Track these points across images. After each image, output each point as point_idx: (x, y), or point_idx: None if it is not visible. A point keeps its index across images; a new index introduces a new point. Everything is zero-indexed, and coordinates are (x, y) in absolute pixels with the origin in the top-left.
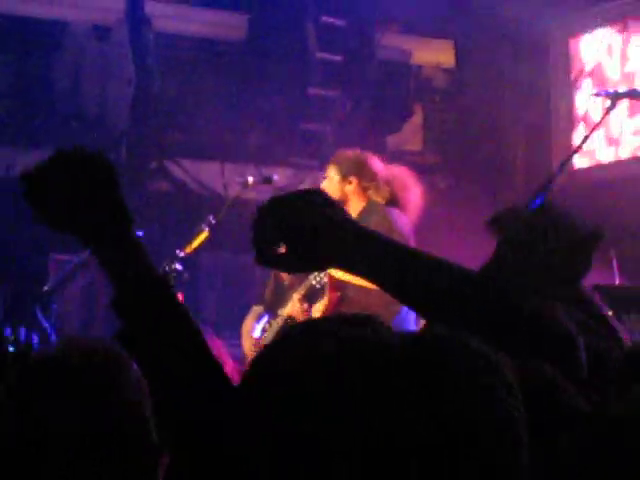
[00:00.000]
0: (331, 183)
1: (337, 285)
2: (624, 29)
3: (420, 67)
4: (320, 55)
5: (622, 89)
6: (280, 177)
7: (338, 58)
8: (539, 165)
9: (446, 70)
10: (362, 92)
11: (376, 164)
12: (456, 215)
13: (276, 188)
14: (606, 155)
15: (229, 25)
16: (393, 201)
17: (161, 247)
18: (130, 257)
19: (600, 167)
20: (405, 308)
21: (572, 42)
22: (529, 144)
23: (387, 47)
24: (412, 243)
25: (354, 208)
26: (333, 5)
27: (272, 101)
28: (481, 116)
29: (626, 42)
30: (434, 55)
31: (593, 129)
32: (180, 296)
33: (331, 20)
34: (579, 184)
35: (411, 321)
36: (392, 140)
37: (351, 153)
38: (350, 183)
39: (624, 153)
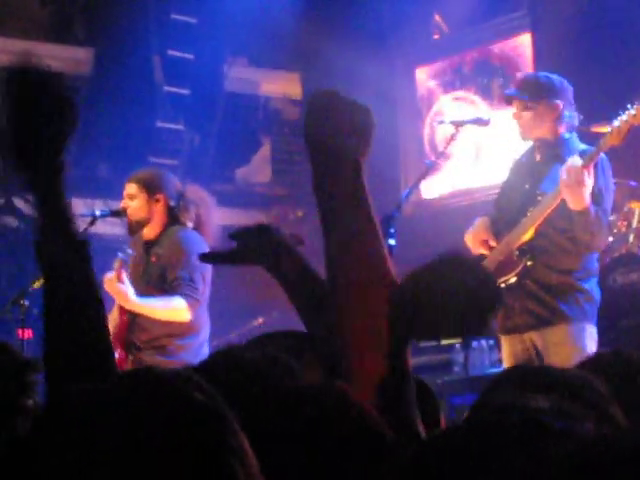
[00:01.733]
0: (139, 202)
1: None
2: (460, 60)
3: (268, 99)
4: (168, 88)
5: (467, 116)
6: None
7: (186, 91)
8: (390, 194)
9: (294, 101)
10: (211, 125)
11: (178, 183)
12: (305, 246)
13: (124, 221)
14: (447, 186)
15: (75, 60)
16: (199, 222)
17: (13, 282)
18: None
19: (444, 197)
20: (196, 344)
21: (417, 72)
22: (379, 174)
23: (235, 79)
24: (205, 268)
25: (156, 227)
26: (180, 39)
27: (121, 135)
28: None
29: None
30: (282, 87)
31: (438, 156)
32: (29, 332)
33: (178, 53)
34: (427, 213)
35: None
36: (241, 172)
37: (155, 172)
38: (158, 201)
39: (472, 182)
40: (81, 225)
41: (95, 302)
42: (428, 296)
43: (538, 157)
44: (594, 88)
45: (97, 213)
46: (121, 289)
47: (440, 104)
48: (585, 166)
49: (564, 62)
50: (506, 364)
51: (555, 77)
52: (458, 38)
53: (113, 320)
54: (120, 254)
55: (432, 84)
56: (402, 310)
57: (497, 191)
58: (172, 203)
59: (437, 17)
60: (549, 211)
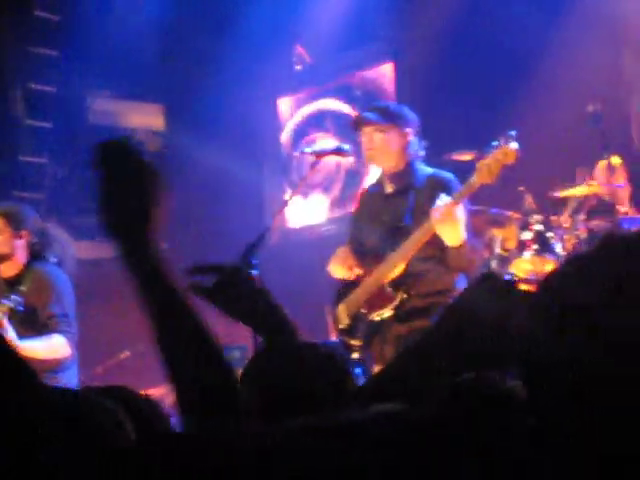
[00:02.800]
0: (2, 237)
1: None
2: (322, 90)
3: (131, 131)
4: (30, 122)
5: (328, 146)
6: None
7: (48, 125)
8: (253, 223)
9: (157, 133)
10: (74, 158)
11: (38, 219)
12: None
13: None
14: (311, 216)
15: None
16: (60, 259)
17: None
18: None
19: (308, 227)
20: (67, 377)
21: (279, 102)
22: (244, 202)
23: (98, 112)
24: (73, 304)
25: (17, 264)
26: (41, 71)
27: None
28: (193, 177)
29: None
30: (145, 119)
31: (299, 186)
32: None
33: (39, 86)
34: (290, 243)
35: None
36: None
37: (18, 207)
38: (21, 237)
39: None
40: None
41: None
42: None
43: (389, 188)
44: (454, 116)
45: None
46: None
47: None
48: (456, 203)
49: (425, 91)
50: None
51: (404, 107)
52: (320, 68)
53: None
54: (5, 301)
55: (293, 113)
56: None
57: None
58: (34, 239)
59: (299, 48)
60: (420, 244)
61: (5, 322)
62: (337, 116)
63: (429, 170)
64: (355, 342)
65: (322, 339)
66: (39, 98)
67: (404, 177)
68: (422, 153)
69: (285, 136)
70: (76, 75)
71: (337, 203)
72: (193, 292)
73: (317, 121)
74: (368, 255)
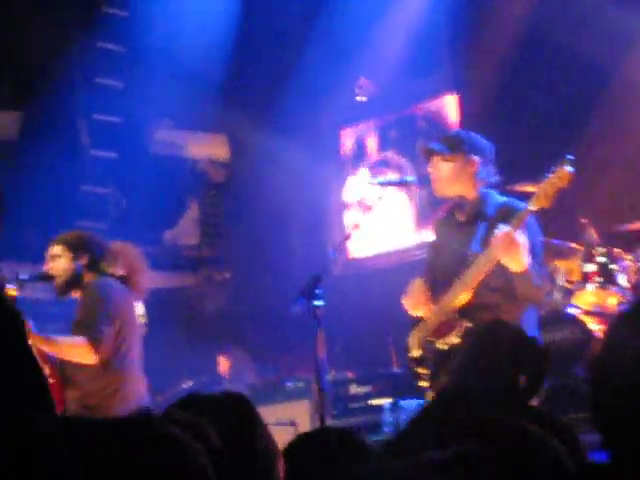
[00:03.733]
0: (63, 262)
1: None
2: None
3: (195, 161)
4: (94, 152)
5: (392, 178)
6: None
7: (112, 155)
8: (316, 253)
9: (220, 163)
10: (137, 187)
11: (102, 241)
12: (234, 308)
13: (52, 285)
14: (374, 247)
15: (1, 123)
16: (127, 274)
17: None
18: None
19: (371, 258)
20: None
21: (342, 133)
22: (304, 232)
23: (161, 142)
24: (128, 315)
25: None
26: (106, 103)
27: (46, 199)
28: (256, 206)
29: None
30: (208, 149)
31: (362, 218)
32: None
33: (104, 117)
34: (353, 273)
35: None
36: (169, 234)
37: (78, 233)
38: (81, 260)
39: (387, 245)
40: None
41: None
42: None
43: (460, 217)
44: (518, 147)
45: (20, 277)
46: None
47: (366, 165)
48: (516, 228)
49: (489, 121)
50: None
51: (475, 135)
52: (383, 99)
53: None
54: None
55: (357, 145)
56: None
57: (419, 252)
58: (95, 259)
59: (362, 79)
60: (484, 274)
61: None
62: (402, 145)
63: (501, 199)
64: (423, 371)
65: (384, 370)
66: (104, 128)
67: (475, 206)
68: (494, 180)
69: (348, 162)
70: (140, 106)
71: (406, 232)
72: None
73: (382, 149)
74: (438, 284)
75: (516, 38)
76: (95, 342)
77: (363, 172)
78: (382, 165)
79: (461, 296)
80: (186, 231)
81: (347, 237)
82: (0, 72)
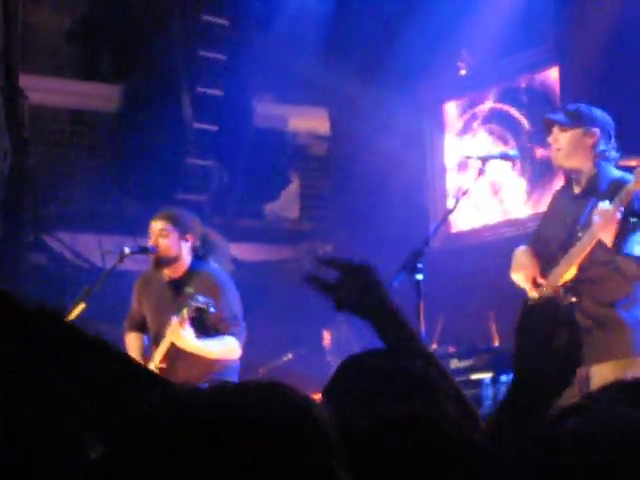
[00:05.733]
0: (170, 239)
1: (171, 354)
2: (487, 95)
3: (296, 135)
4: (196, 125)
5: (493, 151)
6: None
7: (214, 128)
8: (418, 228)
9: (321, 137)
10: (239, 161)
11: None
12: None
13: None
14: (478, 219)
15: (103, 96)
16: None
17: None
18: None
19: (473, 232)
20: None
21: (445, 107)
22: (408, 207)
23: (263, 115)
24: (240, 305)
25: (182, 265)
26: (209, 75)
27: (149, 172)
28: (357, 180)
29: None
30: (309, 122)
31: (465, 192)
32: None
33: (206, 90)
34: (456, 248)
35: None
36: (270, 208)
37: (183, 211)
38: (187, 240)
39: (493, 217)
40: (109, 262)
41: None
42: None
43: (577, 190)
44: (622, 121)
45: (126, 250)
46: (185, 335)
47: (468, 138)
48: (617, 208)
49: (592, 95)
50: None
51: (596, 109)
52: (485, 73)
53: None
54: (193, 303)
55: (460, 119)
56: None
57: (525, 226)
58: (198, 243)
59: (464, 52)
60: (589, 249)
61: (186, 323)
62: (504, 117)
63: (617, 174)
64: None
65: (486, 345)
66: (206, 101)
67: (590, 179)
68: (615, 155)
69: (451, 138)
70: (242, 79)
71: (492, 210)
72: (314, 286)
73: (484, 121)
74: (549, 257)
75: (622, 7)
76: (242, 339)
77: (466, 141)
78: (485, 138)
79: (567, 272)
80: (287, 204)
81: (450, 211)
82: (102, 44)
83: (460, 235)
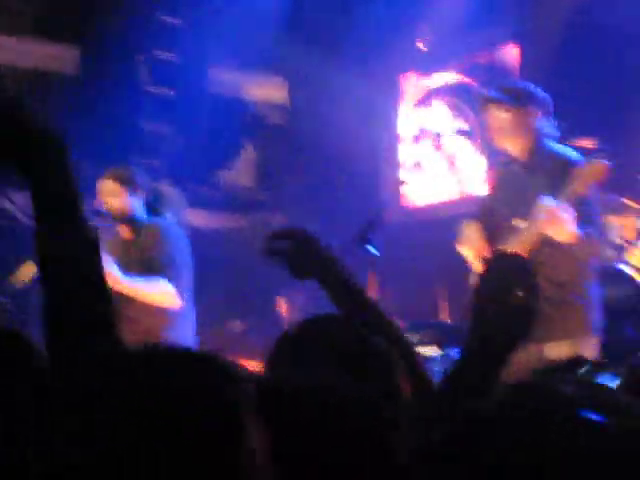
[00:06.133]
0: (120, 199)
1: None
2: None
3: (253, 103)
4: (152, 89)
5: (449, 127)
6: None
7: (170, 93)
8: (372, 200)
9: (279, 106)
10: (195, 127)
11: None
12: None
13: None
14: (435, 194)
15: (61, 58)
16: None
17: None
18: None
19: (425, 207)
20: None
21: (402, 80)
22: (359, 176)
23: (220, 82)
24: (185, 254)
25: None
26: (165, 40)
27: (103, 135)
28: (314, 151)
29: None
30: (266, 91)
31: (419, 165)
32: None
33: (163, 54)
34: (408, 221)
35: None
36: (225, 176)
37: (130, 168)
38: (137, 196)
39: (451, 193)
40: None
41: (105, 297)
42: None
43: (519, 168)
44: (579, 101)
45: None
46: (109, 269)
47: (424, 110)
48: (560, 206)
49: (550, 73)
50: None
51: (534, 86)
52: (444, 49)
53: None
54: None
55: (417, 89)
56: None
57: (476, 202)
58: (149, 198)
59: (424, 27)
60: (535, 238)
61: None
62: (464, 90)
63: (558, 149)
64: None
65: (435, 320)
66: (162, 66)
67: (532, 159)
68: (555, 133)
69: (405, 111)
70: (199, 44)
71: (447, 185)
72: (269, 256)
73: (443, 93)
74: (496, 234)
75: None
76: (182, 291)
77: (422, 113)
78: (443, 110)
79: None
80: (241, 173)
81: (399, 184)
82: (60, 7)
83: (416, 210)
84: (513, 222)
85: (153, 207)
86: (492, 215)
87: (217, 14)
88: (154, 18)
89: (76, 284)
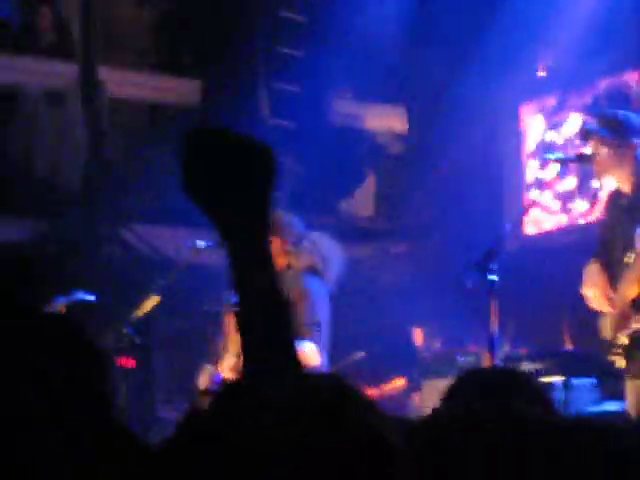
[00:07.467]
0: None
1: None
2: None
3: (373, 133)
4: (273, 121)
5: (570, 154)
6: None
7: (291, 124)
8: (492, 229)
9: (399, 136)
10: (315, 158)
11: (299, 227)
12: (405, 281)
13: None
14: (551, 223)
15: (182, 91)
16: (313, 268)
17: (113, 312)
18: (256, 265)
19: (547, 234)
20: None
21: (521, 108)
22: (482, 207)
23: (340, 113)
24: (327, 312)
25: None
26: (286, 71)
27: None
28: (434, 180)
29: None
30: (386, 121)
31: (542, 194)
32: (132, 361)
33: (284, 86)
34: (529, 250)
35: None
36: (345, 205)
37: (277, 215)
38: (271, 243)
39: (565, 221)
40: (184, 255)
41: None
42: None
43: (624, 201)
44: None
45: (201, 244)
46: None
47: (545, 140)
48: None
49: None
50: (631, 409)
51: (634, 115)
52: (564, 75)
53: (230, 363)
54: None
55: (537, 120)
56: None
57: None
58: (290, 247)
59: (543, 54)
60: None
61: None
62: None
63: None
64: (614, 357)
65: (557, 348)
66: (283, 98)
67: (635, 193)
68: None
69: (529, 143)
70: (320, 76)
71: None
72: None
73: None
74: (613, 267)
75: None
76: (324, 346)
77: (543, 147)
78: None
79: (630, 290)
80: (362, 202)
81: (524, 212)
82: (183, 40)
83: (534, 238)
84: (625, 258)
85: (291, 256)
86: (610, 246)
87: (338, 46)
88: (275, 49)
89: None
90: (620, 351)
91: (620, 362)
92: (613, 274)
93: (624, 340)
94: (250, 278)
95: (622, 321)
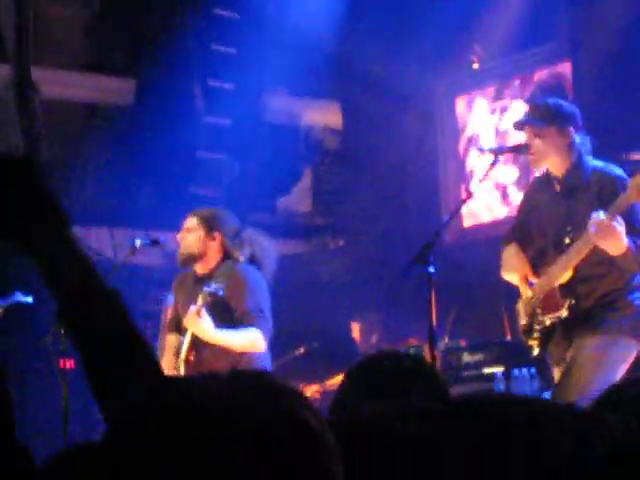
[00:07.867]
0: (195, 236)
1: (197, 345)
2: (500, 89)
3: (309, 129)
4: (208, 119)
5: (506, 145)
6: (169, 240)
7: (226, 122)
8: (430, 222)
9: (335, 131)
10: (250, 155)
11: (235, 222)
12: (344, 276)
13: (165, 251)
14: (490, 215)
15: (116, 90)
16: (253, 259)
17: (51, 313)
18: (68, 262)
19: (486, 226)
20: None
21: (457, 100)
22: (419, 201)
23: (275, 109)
24: (268, 300)
25: (210, 262)
26: (220, 69)
27: (161, 166)
28: (369, 175)
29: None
30: (322, 117)
31: (478, 185)
32: (71, 362)
33: (218, 84)
34: (468, 242)
35: None
36: (282, 202)
37: (216, 211)
38: (214, 239)
39: (504, 212)
40: (121, 255)
41: (142, 346)
42: None
43: (558, 187)
44: (634, 115)
45: (137, 243)
46: (203, 323)
47: (482, 132)
48: (612, 218)
49: (604, 90)
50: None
51: (564, 102)
52: (498, 67)
53: (168, 362)
54: (206, 289)
55: (474, 112)
56: None
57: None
58: (228, 242)
59: (477, 47)
60: (584, 255)
61: (203, 311)
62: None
63: (597, 163)
64: (532, 342)
65: (497, 339)
66: (218, 95)
67: (570, 177)
68: (589, 146)
69: (464, 134)
70: (254, 72)
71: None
72: None
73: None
74: (538, 253)
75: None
76: (268, 334)
77: (477, 138)
78: (497, 132)
79: (563, 275)
80: (299, 199)
81: (461, 204)
82: (115, 39)
83: (472, 230)
84: (565, 240)
85: (231, 250)
86: (528, 232)
87: (272, 43)
88: (209, 47)
89: (112, 349)
90: (537, 336)
91: (536, 349)
92: (536, 258)
93: (548, 323)
94: (58, 279)
95: (546, 306)
